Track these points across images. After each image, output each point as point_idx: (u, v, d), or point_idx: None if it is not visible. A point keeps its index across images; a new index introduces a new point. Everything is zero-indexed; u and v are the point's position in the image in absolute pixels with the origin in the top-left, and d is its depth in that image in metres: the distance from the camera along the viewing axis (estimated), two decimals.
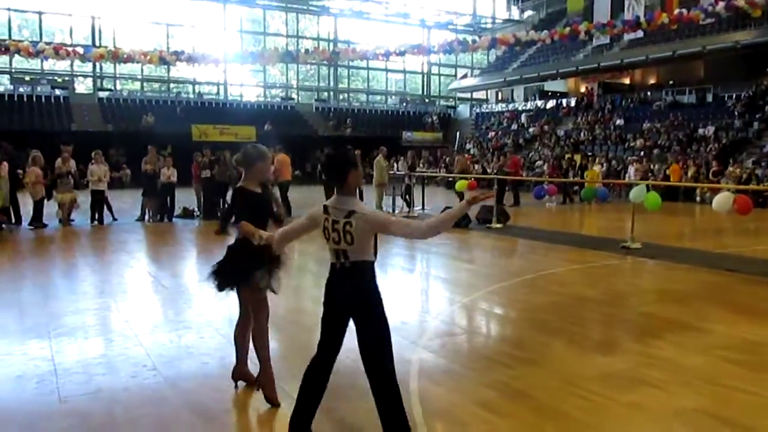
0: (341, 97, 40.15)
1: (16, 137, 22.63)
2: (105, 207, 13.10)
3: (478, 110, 39.79)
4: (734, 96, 26.20)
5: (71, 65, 32.14)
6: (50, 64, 31.77)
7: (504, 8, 42.75)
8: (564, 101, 34.52)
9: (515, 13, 42.25)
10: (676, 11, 16.39)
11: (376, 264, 3.10)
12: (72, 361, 4.47)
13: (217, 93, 36.62)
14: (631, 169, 21.19)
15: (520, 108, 36.47)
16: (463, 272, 8.56)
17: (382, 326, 3.05)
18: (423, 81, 43.14)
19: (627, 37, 27.16)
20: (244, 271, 3.65)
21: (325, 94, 40.34)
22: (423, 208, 15.96)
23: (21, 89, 30.25)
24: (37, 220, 12.15)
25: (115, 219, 13.28)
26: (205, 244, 10.68)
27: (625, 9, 27.95)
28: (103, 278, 7.78)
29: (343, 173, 2.98)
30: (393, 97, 42.30)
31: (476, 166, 25.56)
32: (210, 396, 3.86)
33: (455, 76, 42.22)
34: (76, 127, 28.38)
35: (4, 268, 8.37)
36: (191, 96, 35.09)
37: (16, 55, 13.70)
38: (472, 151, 32.70)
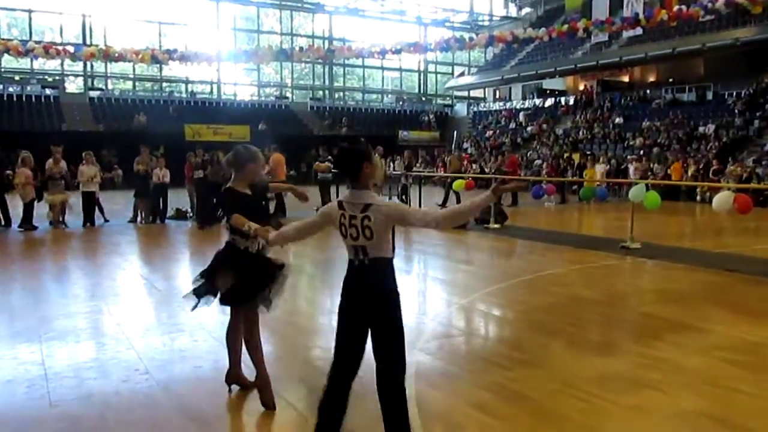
0: (336, 95, 40.18)
1: (6, 138, 22.64)
2: (96, 208, 13.06)
3: (475, 109, 39.84)
4: (734, 94, 26.29)
5: (62, 64, 32.10)
6: (40, 63, 31.75)
7: (501, 5, 42.83)
8: (562, 99, 34.59)
9: (513, 10, 42.35)
10: (676, 8, 16.43)
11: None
12: (63, 365, 4.46)
13: (211, 92, 36.60)
14: (631, 168, 21.29)
15: (517, 106, 36.53)
16: (460, 273, 8.58)
17: (400, 336, 2.91)
18: (419, 79, 43.19)
19: (626, 34, 27.26)
20: (241, 292, 3.65)
21: (320, 92, 40.36)
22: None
23: (10, 89, 30.18)
24: (27, 222, 12.11)
25: (106, 220, 13.25)
26: (199, 246, 10.66)
27: (624, 6, 28.02)
28: (94, 281, 7.76)
29: (357, 167, 2.88)
30: (389, 95, 42.33)
31: (474, 166, 25.58)
32: (203, 400, 3.85)
33: (452, 74, 42.28)
34: (66, 127, 28.32)
35: None
36: (184, 95, 35.07)
37: (6, 55, 13.68)
38: (469, 151, 32.73)
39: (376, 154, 15.80)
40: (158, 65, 19.04)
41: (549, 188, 14.14)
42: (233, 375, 3.95)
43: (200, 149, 14.67)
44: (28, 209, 12.20)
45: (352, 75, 42.44)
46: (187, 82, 36.12)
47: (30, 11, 32.00)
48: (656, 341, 4.97)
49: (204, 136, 27.07)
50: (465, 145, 34.20)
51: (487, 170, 22.03)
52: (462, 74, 40.49)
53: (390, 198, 15.45)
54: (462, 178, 15.35)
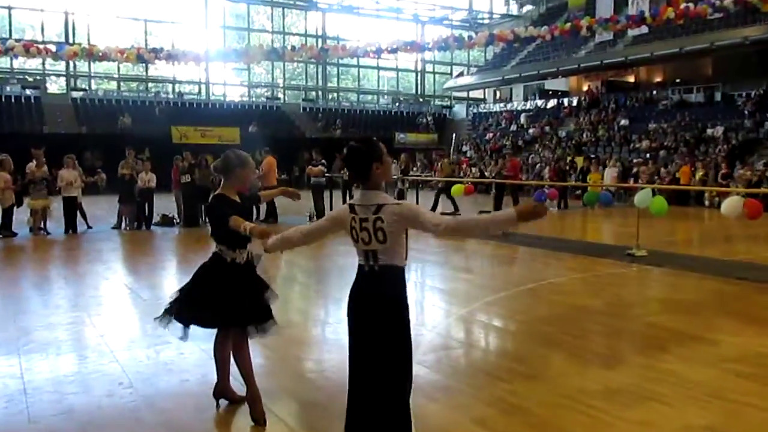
0: (330, 96, 40.20)
1: None
2: (79, 214, 13.03)
3: (474, 110, 39.91)
4: (744, 94, 26.38)
5: (43, 64, 32.11)
6: (20, 63, 31.69)
7: (502, 2, 43.00)
8: (565, 101, 34.69)
9: (513, 8, 42.47)
10: (683, 6, 16.54)
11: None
12: (43, 379, 4.44)
13: (199, 93, 36.59)
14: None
15: (519, 108, 36.60)
16: (460, 282, 8.58)
17: (405, 352, 2.84)
18: (417, 79, 43.28)
19: (631, 32, 27.34)
20: (225, 315, 3.68)
21: (313, 93, 40.39)
22: None
23: None
24: (6, 229, 12.07)
25: (89, 227, 13.22)
26: (186, 254, 10.65)
27: (629, 3, 28.20)
28: (76, 291, 7.74)
29: (367, 167, 2.85)
30: (385, 96, 42.39)
31: (473, 170, 25.61)
32: (190, 415, 3.85)
33: (451, 74, 42.37)
34: (48, 129, 28.24)
35: None
36: (171, 96, 35.01)
37: None
38: (469, 154, 32.78)
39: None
40: (144, 65, 19.09)
41: (551, 193, 14.19)
42: (221, 389, 3.94)
43: (188, 152, 14.67)
44: (8, 215, 12.17)
45: (346, 75, 42.51)
46: (174, 82, 36.10)
47: (10, 8, 31.97)
48: (662, 353, 4.98)
49: (192, 139, 27.02)
50: (464, 148, 34.27)
51: (487, 174, 22.09)
52: (461, 74, 40.58)
53: None
54: (456, 182, 15.35)
